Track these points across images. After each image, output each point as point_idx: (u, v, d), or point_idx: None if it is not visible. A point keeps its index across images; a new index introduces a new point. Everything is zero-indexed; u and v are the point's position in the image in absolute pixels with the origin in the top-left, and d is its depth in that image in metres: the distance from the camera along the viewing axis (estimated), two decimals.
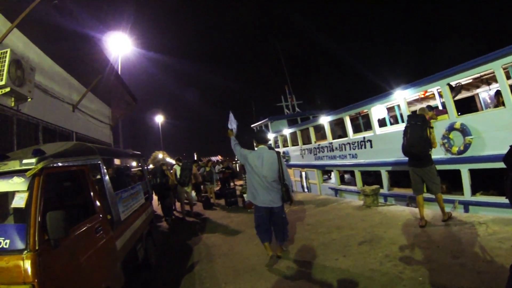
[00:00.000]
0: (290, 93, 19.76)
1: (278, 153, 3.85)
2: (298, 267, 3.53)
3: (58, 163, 2.31)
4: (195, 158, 20.80)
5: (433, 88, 6.58)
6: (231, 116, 4.15)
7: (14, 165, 2.16)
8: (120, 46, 13.67)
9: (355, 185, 8.67)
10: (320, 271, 3.29)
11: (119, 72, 13.14)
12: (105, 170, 3.15)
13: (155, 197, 9.51)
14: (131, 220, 3.66)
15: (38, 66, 5.04)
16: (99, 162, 3.07)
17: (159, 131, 35.59)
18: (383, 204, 6.17)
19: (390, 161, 7.02)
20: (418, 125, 4.19)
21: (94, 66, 6.88)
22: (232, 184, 13.46)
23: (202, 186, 11.23)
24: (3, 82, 3.77)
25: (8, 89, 3.88)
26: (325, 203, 7.19)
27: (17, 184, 2.08)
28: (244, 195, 7.97)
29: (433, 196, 4.35)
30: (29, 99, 4.38)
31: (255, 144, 4.09)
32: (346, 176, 10.78)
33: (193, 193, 10.12)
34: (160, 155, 25.02)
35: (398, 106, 8.48)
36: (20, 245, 1.84)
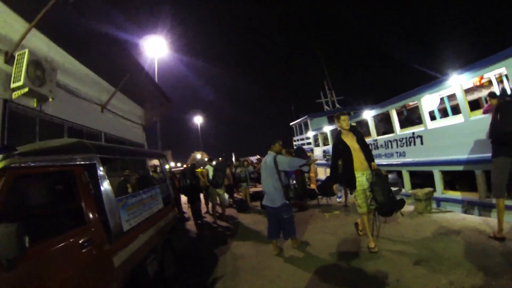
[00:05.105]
0: (329, 89, 19.40)
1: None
2: None
3: (30, 163, 1.92)
4: (233, 158, 20.62)
5: (491, 73, 5.55)
6: None
7: None
8: (156, 49, 13.88)
9: (402, 186, 7.81)
10: None
11: (155, 74, 13.33)
12: (103, 173, 2.64)
13: (184, 199, 9.28)
14: (140, 229, 3.16)
15: (63, 67, 5.02)
16: (95, 162, 2.57)
17: (198, 132, 36.65)
18: (437, 211, 5.36)
19: (445, 160, 6.16)
20: None
21: (123, 66, 6.78)
22: None
23: (234, 188, 10.70)
24: (20, 83, 3.75)
25: (26, 90, 3.85)
26: None
27: None
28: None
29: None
30: (50, 99, 4.36)
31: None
32: (390, 176, 9.78)
33: (226, 196, 9.64)
34: (199, 156, 24.97)
35: (448, 97, 7.63)
36: None
